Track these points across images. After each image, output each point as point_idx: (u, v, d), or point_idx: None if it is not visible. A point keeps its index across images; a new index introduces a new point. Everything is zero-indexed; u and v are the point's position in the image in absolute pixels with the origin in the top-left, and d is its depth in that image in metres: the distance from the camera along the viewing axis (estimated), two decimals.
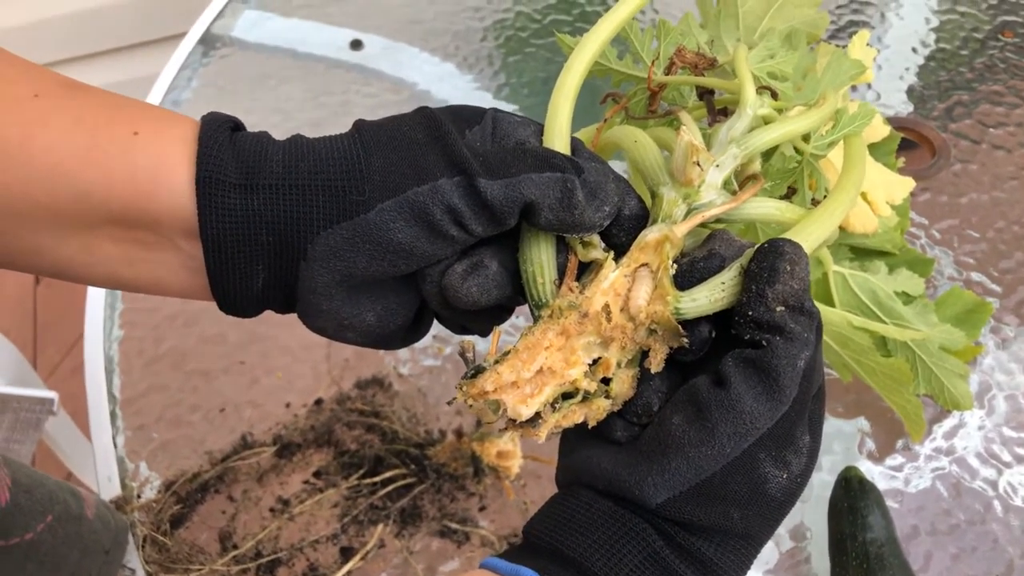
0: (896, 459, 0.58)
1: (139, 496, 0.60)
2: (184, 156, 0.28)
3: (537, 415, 0.29)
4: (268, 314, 0.70)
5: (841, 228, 0.54)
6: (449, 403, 0.33)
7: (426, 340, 0.66)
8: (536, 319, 0.30)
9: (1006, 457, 0.57)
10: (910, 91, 0.79)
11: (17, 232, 0.28)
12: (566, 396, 0.30)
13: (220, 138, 0.29)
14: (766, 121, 0.35)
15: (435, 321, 0.34)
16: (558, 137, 0.31)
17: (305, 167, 0.28)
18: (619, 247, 0.31)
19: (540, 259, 0.30)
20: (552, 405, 0.30)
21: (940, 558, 0.54)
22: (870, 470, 0.57)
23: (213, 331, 0.68)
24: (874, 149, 0.61)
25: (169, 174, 0.28)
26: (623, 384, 0.31)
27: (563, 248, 0.31)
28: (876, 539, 0.50)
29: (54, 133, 0.27)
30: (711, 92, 0.39)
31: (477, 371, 0.29)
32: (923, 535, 0.54)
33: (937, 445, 0.58)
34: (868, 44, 0.59)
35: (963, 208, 0.70)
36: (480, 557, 0.56)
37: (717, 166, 0.32)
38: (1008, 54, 0.81)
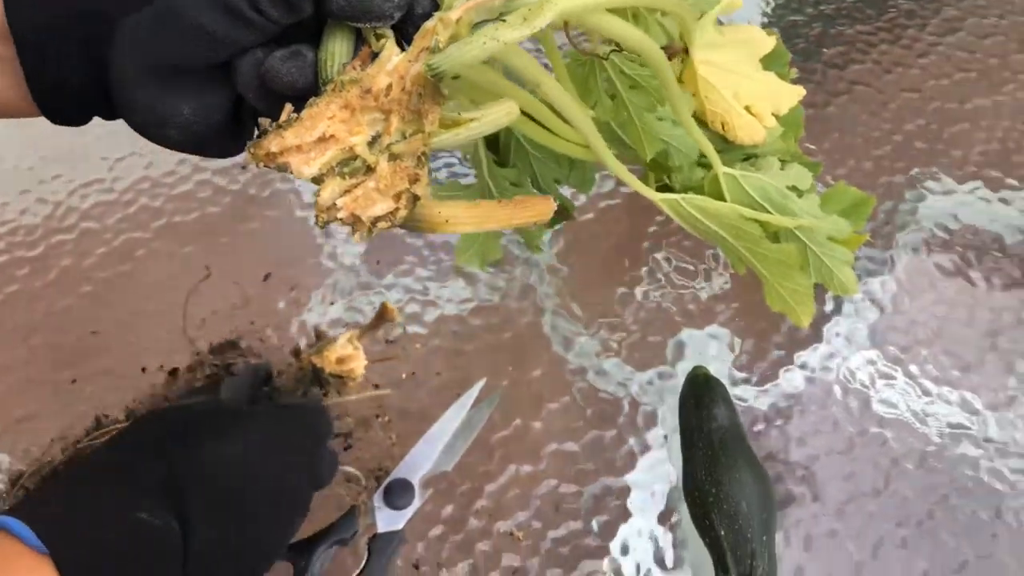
0: (746, 364, 0.60)
1: None
2: None
3: (322, 178, 0.33)
4: (116, 280, 0.67)
5: (728, 140, 0.57)
6: (243, 167, 0.35)
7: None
8: (321, 95, 0.33)
9: (845, 352, 0.60)
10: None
11: None
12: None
13: None
14: None
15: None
16: None
17: None
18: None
19: (334, 47, 0.33)
20: (338, 171, 0.33)
21: (787, 442, 0.56)
22: (729, 374, 0.59)
23: (61, 304, 0.65)
24: (766, 63, 0.63)
25: None
26: (410, 145, 0.33)
27: (362, 44, 0.34)
28: (720, 427, 0.52)
29: None
30: None
31: (263, 133, 0.32)
32: (775, 426, 0.57)
33: (782, 355, 0.61)
34: None
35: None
36: (347, 496, 0.55)
37: None
38: None
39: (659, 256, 0.65)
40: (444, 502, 0.55)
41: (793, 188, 0.59)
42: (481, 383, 0.59)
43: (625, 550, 0.53)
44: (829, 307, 0.63)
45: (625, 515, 0.54)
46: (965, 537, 0.53)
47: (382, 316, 0.52)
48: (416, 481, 0.54)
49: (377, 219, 0.34)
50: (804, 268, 0.60)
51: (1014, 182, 0.68)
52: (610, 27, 0.40)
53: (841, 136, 0.72)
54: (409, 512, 0.53)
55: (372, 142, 0.34)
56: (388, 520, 0.53)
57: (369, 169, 0.34)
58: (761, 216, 0.54)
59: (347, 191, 0.34)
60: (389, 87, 0.33)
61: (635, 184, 0.55)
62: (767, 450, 0.56)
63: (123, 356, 0.62)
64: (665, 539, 0.53)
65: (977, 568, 0.52)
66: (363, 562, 0.50)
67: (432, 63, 0.33)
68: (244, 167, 0.70)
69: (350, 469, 0.56)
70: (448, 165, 0.71)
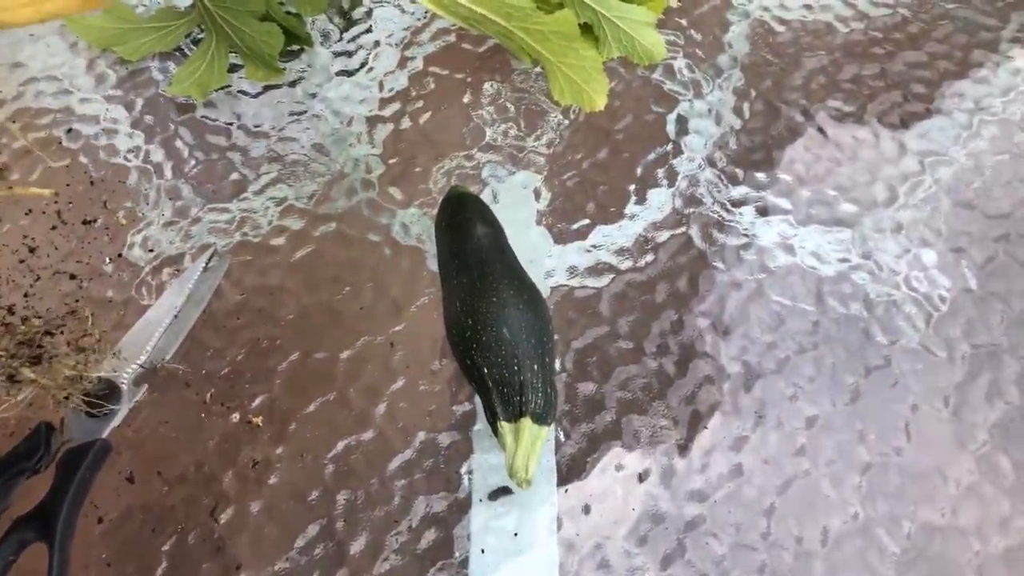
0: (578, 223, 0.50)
1: None
2: None
3: None
4: None
5: None
6: None
7: None
8: None
9: (686, 181, 0.51)
10: None
11: None
12: None
13: None
14: None
15: None
16: None
17: None
18: None
19: None
20: None
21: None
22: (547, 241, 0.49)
23: None
24: None
25: None
26: None
27: None
28: (478, 247, 0.42)
29: None
30: None
31: None
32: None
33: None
34: None
35: None
36: (35, 414, 0.44)
37: None
38: None
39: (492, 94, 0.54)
40: (163, 399, 0.44)
41: None
42: (209, 252, 0.48)
43: (391, 418, 0.43)
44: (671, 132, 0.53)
45: (390, 377, 0.44)
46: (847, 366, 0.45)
47: None
48: (124, 380, 0.43)
49: None
50: (595, 44, 0.51)
51: None
52: None
53: None
54: (116, 419, 0.42)
55: None
56: (88, 431, 0.42)
57: None
58: None
59: None
60: None
61: None
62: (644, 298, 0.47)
63: None
64: (440, 398, 0.44)
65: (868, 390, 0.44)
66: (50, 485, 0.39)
67: None
68: None
69: (33, 378, 0.44)
70: None
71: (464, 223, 0.43)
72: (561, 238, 0.48)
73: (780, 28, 0.55)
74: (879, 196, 0.49)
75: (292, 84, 0.54)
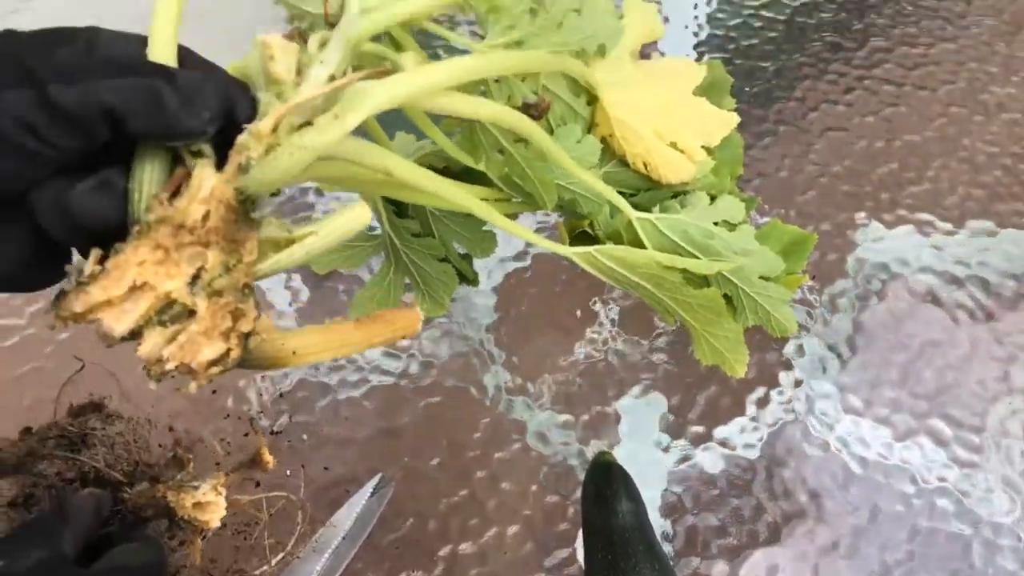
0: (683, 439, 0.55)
1: None
2: None
3: (140, 331, 0.29)
4: None
5: (654, 181, 0.54)
6: (52, 328, 0.31)
7: None
8: (128, 239, 0.29)
9: (801, 409, 0.56)
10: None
11: None
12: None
13: None
14: None
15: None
16: (160, 44, 0.29)
17: None
18: None
19: (142, 175, 0.29)
20: (157, 319, 0.29)
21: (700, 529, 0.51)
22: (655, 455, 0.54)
23: None
24: (708, 92, 0.59)
25: None
26: (232, 278, 0.30)
27: (180, 164, 0.30)
28: (621, 526, 0.47)
29: None
30: None
31: (62, 293, 0.28)
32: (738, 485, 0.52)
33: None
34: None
35: None
36: None
37: (321, 62, 0.31)
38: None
39: (603, 309, 0.61)
40: None
41: (724, 223, 0.55)
42: (376, 479, 0.54)
43: None
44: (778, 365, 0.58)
45: None
46: None
47: (255, 462, 0.47)
48: None
49: (210, 364, 0.30)
50: (732, 313, 0.56)
51: (947, 225, 0.64)
52: (454, 108, 0.36)
53: (764, 182, 0.68)
54: None
55: (193, 280, 0.30)
56: None
57: (191, 312, 0.30)
58: (679, 262, 0.50)
59: (170, 339, 0.29)
60: (206, 215, 0.29)
61: (540, 241, 0.50)
62: (681, 540, 0.51)
63: None
64: None
65: None
66: None
67: (239, 186, 0.29)
68: None
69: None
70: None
71: (610, 497, 0.48)
72: (693, 506, 0.52)
73: (902, 305, 0.60)
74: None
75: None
